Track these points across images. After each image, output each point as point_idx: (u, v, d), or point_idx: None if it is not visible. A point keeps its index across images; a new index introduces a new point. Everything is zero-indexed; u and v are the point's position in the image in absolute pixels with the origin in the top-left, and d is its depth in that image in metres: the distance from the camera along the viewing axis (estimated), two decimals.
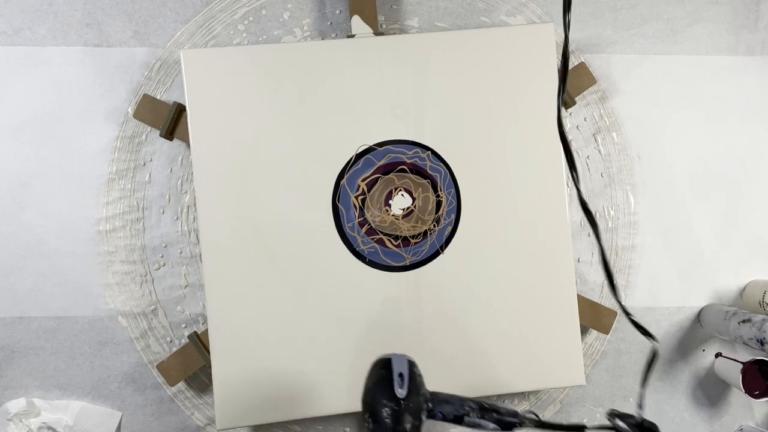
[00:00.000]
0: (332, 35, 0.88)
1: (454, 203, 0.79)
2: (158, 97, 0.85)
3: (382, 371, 0.56)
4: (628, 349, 0.91)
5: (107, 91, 0.85)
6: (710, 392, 0.92)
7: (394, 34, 0.87)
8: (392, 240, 0.79)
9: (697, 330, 0.92)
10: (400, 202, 0.79)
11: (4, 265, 0.84)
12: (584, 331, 0.90)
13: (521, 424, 0.59)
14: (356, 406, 0.77)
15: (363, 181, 0.78)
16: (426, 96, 0.79)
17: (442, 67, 0.79)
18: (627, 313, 0.54)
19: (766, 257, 0.93)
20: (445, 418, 0.58)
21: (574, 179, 0.52)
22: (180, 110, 0.81)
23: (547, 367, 0.80)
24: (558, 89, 0.51)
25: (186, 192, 0.86)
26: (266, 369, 0.76)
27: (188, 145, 0.78)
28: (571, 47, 0.91)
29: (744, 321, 0.81)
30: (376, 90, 0.78)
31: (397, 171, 0.79)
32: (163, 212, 0.86)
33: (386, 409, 0.53)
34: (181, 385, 0.86)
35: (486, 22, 0.90)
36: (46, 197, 0.84)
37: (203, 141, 0.76)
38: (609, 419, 0.59)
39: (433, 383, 0.79)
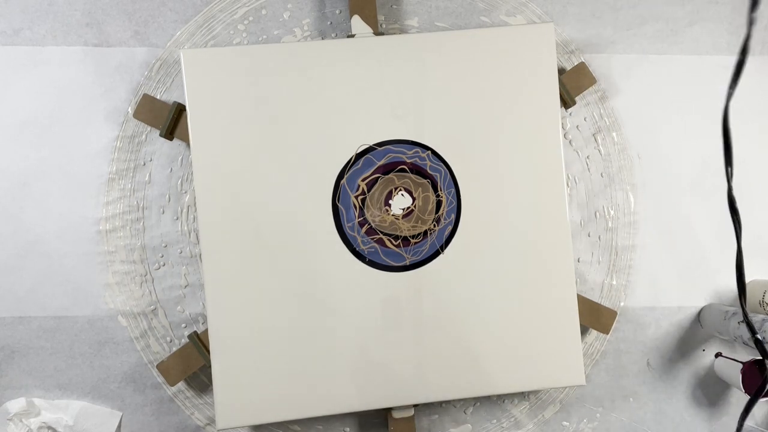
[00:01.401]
0: (332, 35, 0.88)
1: (454, 203, 0.79)
2: (158, 97, 0.85)
3: None
4: (628, 349, 0.91)
5: (107, 91, 0.85)
6: (710, 392, 0.92)
7: (394, 34, 0.87)
8: (392, 240, 0.79)
9: (697, 330, 0.92)
10: (400, 201, 0.79)
11: (4, 265, 0.84)
12: (584, 331, 0.90)
13: None
14: (356, 406, 0.77)
15: (363, 181, 0.78)
16: (426, 96, 0.79)
17: (442, 67, 0.79)
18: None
19: (766, 257, 0.93)
20: None
21: (727, 175, 0.48)
22: (180, 110, 0.81)
23: (547, 367, 0.80)
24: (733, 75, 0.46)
25: (186, 192, 0.86)
26: (266, 369, 0.76)
27: (188, 145, 0.78)
28: (571, 47, 0.91)
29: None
30: (376, 90, 0.78)
31: (397, 171, 0.79)
32: (163, 212, 0.86)
33: None
34: (181, 385, 0.86)
35: (486, 22, 0.90)
36: (46, 197, 0.84)
37: (203, 141, 0.76)
38: None
39: (433, 383, 0.79)
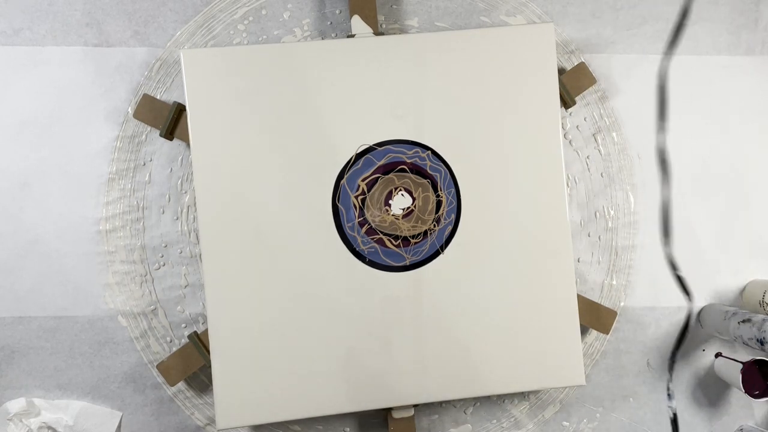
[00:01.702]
0: (332, 35, 0.88)
1: (454, 203, 0.79)
2: (158, 97, 0.85)
3: None
4: (628, 349, 0.91)
5: (107, 91, 0.85)
6: (710, 392, 0.92)
7: (394, 34, 0.87)
8: (392, 240, 0.79)
9: (697, 330, 0.92)
10: (400, 202, 0.79)
11: (4, 265, 0.84)
12: (584, 331, 0.90)
13: None
14: (356, 406, 0.77)
15: (363, 181, 0.78)
16: (426, 96, 0.79)
17: (442, 67, 0.79)
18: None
19: (766, 257, 0.93)
20: None
21: (661, 128, 0.49)
22: (180, 110, 0.81)
23: (547, 367, 0.80)
24: None
25: (186, 192, 0.86)
26: (266, 369, 0.76)
27: (188, 145, 0.78)
28: (571, 47, 0.91)
29: (744, 321, 0.81)
30: (376, 90, 0.78)
31: (397, 171, 0.79)
32: (163, 212, 0.86)
33: None
34: (181, 385, 0.86)
35: (486, 22, 0.90)
36: (46, 197, 0.84)
37: (203, 141, 0.76)
38: None
39: (433, 383, 0.79)
